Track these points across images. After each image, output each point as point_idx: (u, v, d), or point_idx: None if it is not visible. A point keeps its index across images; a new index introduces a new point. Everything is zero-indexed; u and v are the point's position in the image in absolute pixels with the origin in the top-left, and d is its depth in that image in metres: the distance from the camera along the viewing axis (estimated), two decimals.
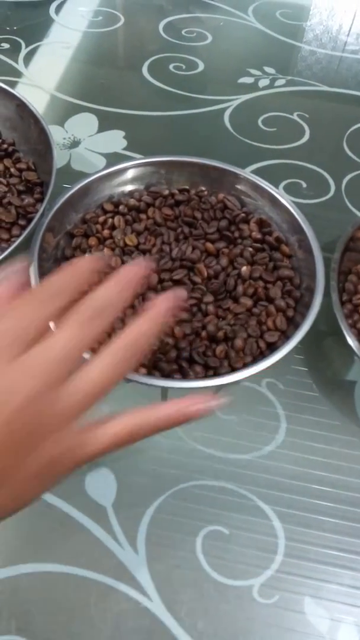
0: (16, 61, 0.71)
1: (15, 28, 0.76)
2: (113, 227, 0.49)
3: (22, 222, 0.51)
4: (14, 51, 0.72)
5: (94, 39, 0.76)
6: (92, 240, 0.49)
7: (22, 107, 0.56)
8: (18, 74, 0.69)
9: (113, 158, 0.61)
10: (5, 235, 0.50)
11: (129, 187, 0.53)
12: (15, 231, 0.51)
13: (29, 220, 0.51)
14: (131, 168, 0.53)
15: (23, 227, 0.51)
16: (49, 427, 0.25)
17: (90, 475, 0.42)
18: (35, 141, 0.54)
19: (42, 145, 0.53)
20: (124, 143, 0.63)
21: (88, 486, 0.41)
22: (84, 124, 0.64)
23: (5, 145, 0.56)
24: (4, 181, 0.54)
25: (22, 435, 0.25)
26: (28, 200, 0.52)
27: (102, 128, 0.64)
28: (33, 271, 0.44)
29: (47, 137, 0.52)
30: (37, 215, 0.47)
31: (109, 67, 0.73)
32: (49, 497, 0.41)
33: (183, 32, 0.77)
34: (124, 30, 0.77)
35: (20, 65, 0.71)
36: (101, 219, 0.50)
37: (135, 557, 0.39)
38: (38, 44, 0.74)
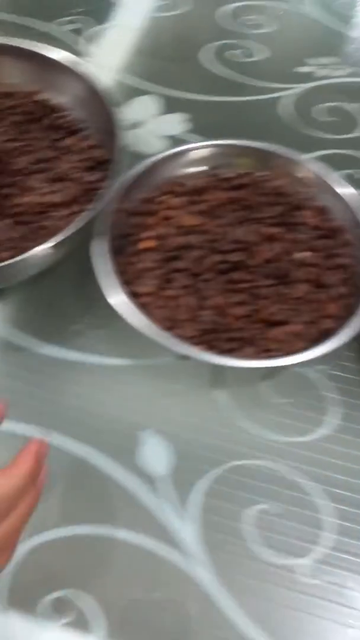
0: (82, 42, 0.73)
1: (81, 10, 0.77)
2: (173, 208, 0.50)
3: (88, 197, 0.53)
4: (80, 32, 0.74)
5: (158, 22, 0.77)
6: (152, 220, 0.51)
7: (90, 87, 0.57)
8: (84, 54, 0.71)
9: (174, 141, 0.62)
10: (69, 210, 0.52)
11: (192, 169, 0.54)
12: (75, 207, 0.52)
13: (94, 196, 0.52)
14: (194, 150, 0.54)
15: (87, 202, 0.52)
16: None
17: (146, 444, 0.44)
18: (102, 120, 0.55)
19: (108, 124, 0.54)
20: (185, 126, 0.64)
21: (142, 456, 0.43)
22: (146, 106, 0.65)
23: (72, 123, 0.58)
24: (71, 157, 0.55)
25: None
26: (94, 176, 0.54)
27: (164, 111, 0.65)
28: (105, 248, 0.46)
29: (113, 117, 0.53)
30: (105, 193, 0.48)
31: (172, 51, 0.73)
32: (104, 465, 0.42)
33: (243, 20, 0.77)
34: (188, 15, 0.78)
35: (86, 46, 0.72)
36: (161, 198, 0.51)
37: (187, 527, 0.40)
38: (103, 25, 0.75)
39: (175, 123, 0.64)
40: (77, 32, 0.74)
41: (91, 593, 0.38)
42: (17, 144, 0.56)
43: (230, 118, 0.65)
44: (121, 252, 0.48)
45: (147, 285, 0.46)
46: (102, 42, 0.73)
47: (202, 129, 0.63)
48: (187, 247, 0.48)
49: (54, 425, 0.44)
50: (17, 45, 0.59)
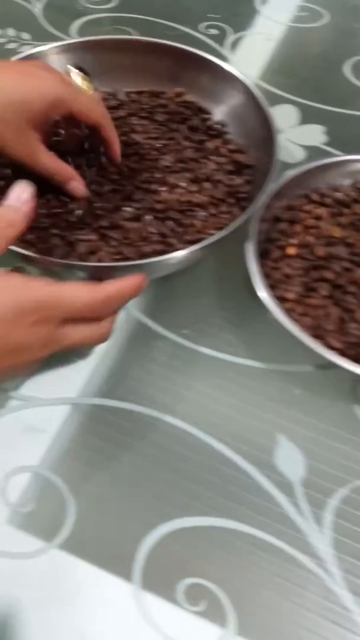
0: (222, 47, 0.74)
1: (223, 16, 0.78)
2: (318, 218, 0.51)
3: (230, 200, 0.54)
4: (220, 38, 0.75)
5: (298, 33, 0.77)
6: (298, 227, 0.51)
7: (245, 91, 0.58)
8: (224, 60, 0.72)
9: (312, 151, 0.62)
10: (213, 210, 0.53)
11: (336, 181, 0.54)
12: (221, 208, 0.53)
13: (237, 200, 0.53)
14: (341, 162, 0.54)
15: (231, 205, 0.53)
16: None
17: (280, 449, 0.44)
18: (253, 126, 0.56)
19: (262, 130, 0.55)
20: (324, 138, 0.64)
21: (278, 459, 0.44)
22: (285, 115, 0.66)
23: (216, 126, 0.59)
24: (214, 159, 0.57)
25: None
26: (237, 180, 0.55)
27: (302, 121, 0.66)
28: (254, 251, 0.47)
29: (270, 122, 0.53)
30: (257, 197, 0.49)
31: (311, 62, 0.74)
32: (241, 462, 0.43)
33: None
34: (328, 27, 0.78)
35: (226, 51, 0.74)
36: (307, 207, 0.52)
37: (320, 534, 0.41)
38: (243, 33, 0.77)
39: (313, 134, 0.65)
40: (219, 37, 0.75)
41: (222, 586, 0.39)
42: (163, 142, 0.58)
43: None
44: (266, 257, 0.49)
45: (291, 292, 0.47)
46: (242, 49, 0.74)
47: (340, 141, 0.63)
48: (332, 257, 0.49)
49: (186, 413, 0.46)
50: (165, 43, 0.61)
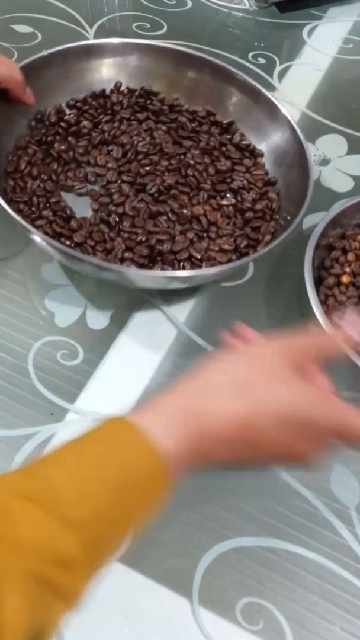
0: (271, 76, 0.76)
1: (270, 46, 0.80)
2: None
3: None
4: (269, 67, 0.77)
5: (344, 64, 0.79)
6: (351, 256, 0.52)
7: (280, 121, 0.59)
8: (272, 88, 0.74)
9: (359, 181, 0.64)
10: (255, 235, 0.54)
11: None
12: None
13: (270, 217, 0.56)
14: None
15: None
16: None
17: (335, 475, 0.45)
18: (288, 153, 0.58)
19: (295, 157, 0.57)
20: None
21: (333, 484, 0.44)
22: (333, 144, 0.68)
23: (251, 146, 0.61)
24: (247, 177, 0.58)
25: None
26: (271, 194, 0.57)
27: (351, 151, 0.67)
28: (308, 277, 0.48)
29: (305, 152, 0.55)
30: (298, 215, 0.50)
31: (358, 93, 0.76)
32: (298, 487, 0.44)
33: None
34: None
35: (274, 80, 0.75)
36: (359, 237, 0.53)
37: None
38: (291, 62, 0.79)
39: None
40: (267, 67, 0.77)
41: (279, 607, 0.39)
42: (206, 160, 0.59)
43: None
44: (319, 282, 0.50)
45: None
46: (290, 78, 0.76)
47: None
48: None
49: None
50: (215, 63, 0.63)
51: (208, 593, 0.40)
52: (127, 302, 0.54)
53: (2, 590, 0.24)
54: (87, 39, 0.80)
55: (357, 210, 0.54)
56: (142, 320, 0.53)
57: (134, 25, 0.83)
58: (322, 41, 0.82)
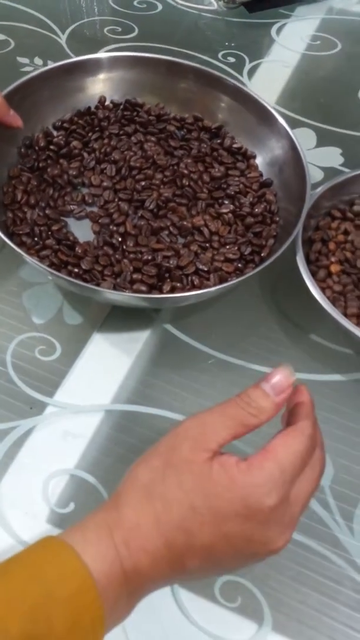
0: (241, 74, 0.78)
1: (240, 45, 0.82)
2: (346, 232, 0.53)
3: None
4: (239, 65, 0.79)
5: (312, 61, 0.81)
6: (332, 245, 0.53)
7: (269, 120, 0.61)
8: (242, 85, 0.75)
9: (330, 172, 0.65)
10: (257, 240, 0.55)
11: (350, 197, 0.57)
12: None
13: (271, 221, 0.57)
14: (351, 178, 0.57)
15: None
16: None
17: None
18: (281, 152, 0.59)
19: (288, 155, 0.58)
20: (341, 159, 0.67)
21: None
22: (303, 138, 0.69)
23: (242, 148, 0.62)
24: (243, 181, 0.59)
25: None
26: (269, 197, 0.58)
27: (320, 143, 0.69)
28: (305, 275, 0.49)
29: (299, 153, 0.56)
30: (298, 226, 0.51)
31: (326, 88, 0.77)
32: None
33: None
34: (341, 55, 0.82)
35: (244, 78, 0.77)
36: (333, 224, 0.54)
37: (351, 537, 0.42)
38: (260, 60, 0.80)
39: (332, 156, 0.68)
40: (237, 65, 0.79)
41: (257, 584, 0.40)
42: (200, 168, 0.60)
43: None
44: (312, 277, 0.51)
45: (352, 307, 0.49)
46: (260, 76, 0.78)
47: (354, 162, 0.66)
48: None
49: None
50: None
51: None
52: None
53: None
54: (60, 44, 0.81)
55: (324, 199, 0.55)
56: (118, 314, 0.54)
57: (105, 30, 0.85)
58: (291, 39, 0.84)
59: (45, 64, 0.78)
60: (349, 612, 0.40)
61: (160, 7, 0.89)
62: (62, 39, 0.83)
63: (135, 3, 0.89)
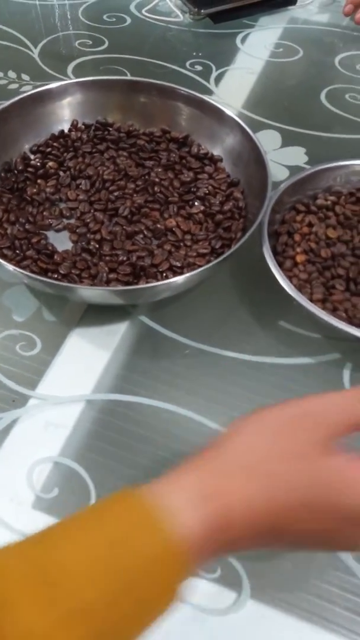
0: (208, 81, 0.81)
1: (207, 54, 0.85)
2: (310, 225, 0.56)
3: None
4: (206, 73, 0.82)
5: (276, 67, 0.84)
6: (297, 237, 0.56)
7: (228, 123, 0.63)
8: (209, 92, 0.79)
9: (295, 170, 0.68)
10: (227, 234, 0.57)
11: (314, 191, 0.60)
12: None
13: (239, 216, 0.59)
14: (313, 174, 0.60)
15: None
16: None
17: None
18: (243, 152, 0.62)
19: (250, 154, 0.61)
20: (305, 158, 0.70)
21: None
22: (268, 139, 0.72)
23: (209, 153, 0.65)
24: (211, 183, 0.62)
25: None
26: (236, 194, 0.60)
27: (285, 144, 0.72)
28: (272, 265, 0.51)
29: (260, 151, 0.59)
30: (260, 216, 0.53)
31: (290, 92, 0.81)
32: None
33: (357, 67, 0.84)
34: (303, 61, 0.85)
35: (211, 85, 0.80)
36: (298, 217, 0.57)
37: None
38: (226, 68, 0.83)
39: (295, 155, 0.71)
40: (205, 73, 0.82)
41: (235, 555, 0.42)
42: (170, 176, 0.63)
43: (350, 154, 0.71)
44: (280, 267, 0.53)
45: (317, 293, 0.52)
46: (226, 82, 0.81)
47: (318, 160, 0.69)
48: (336, 256, 0.54)
49: (195, 405, 0.50)
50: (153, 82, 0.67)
51: None
52: None
53: None
54: (33, 59, 0.84)
55: (287, 194, 0.58)
56: (96, 309, 0.56)
57: (76, 43, 0.88)
58: (255, 47, 0.87)
59: (19, 78, 0.81)
60: (321, 578, 0.42)
61: (129, 20, 0.92)
62: (35, 53, 0.85)
63: (104, 17, 0.92)
